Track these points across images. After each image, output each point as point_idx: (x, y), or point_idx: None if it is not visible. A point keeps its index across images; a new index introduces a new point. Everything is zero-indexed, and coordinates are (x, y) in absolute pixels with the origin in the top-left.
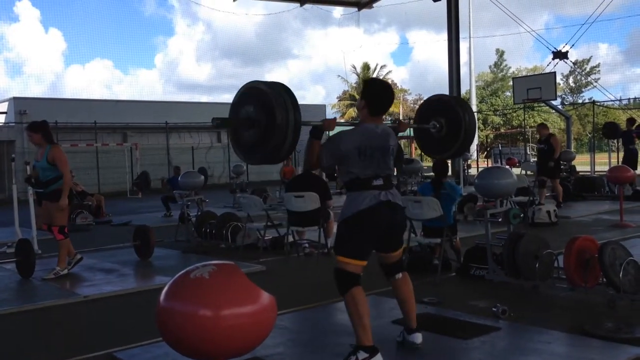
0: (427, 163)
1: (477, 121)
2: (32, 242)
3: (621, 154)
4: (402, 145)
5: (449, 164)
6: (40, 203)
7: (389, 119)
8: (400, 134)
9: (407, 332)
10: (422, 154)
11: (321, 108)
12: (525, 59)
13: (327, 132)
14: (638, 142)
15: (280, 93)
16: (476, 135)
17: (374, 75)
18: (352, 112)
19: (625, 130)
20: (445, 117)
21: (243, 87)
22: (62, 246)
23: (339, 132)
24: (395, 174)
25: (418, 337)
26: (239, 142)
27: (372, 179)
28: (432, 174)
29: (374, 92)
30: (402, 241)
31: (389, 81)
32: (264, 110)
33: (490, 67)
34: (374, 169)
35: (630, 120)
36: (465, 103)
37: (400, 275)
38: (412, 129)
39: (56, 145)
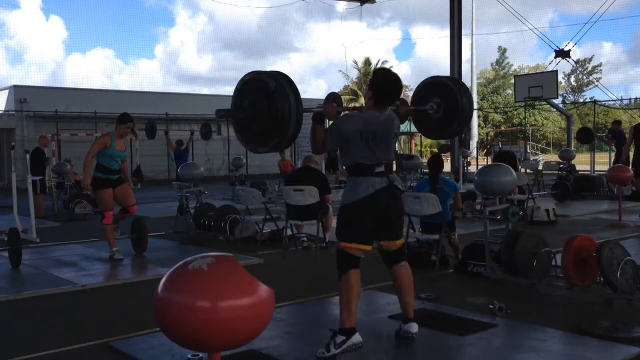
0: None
1: (477, 119)
2: (31, 230)
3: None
4: (402, 142)
5: (448, 161)
6: (105, 187)
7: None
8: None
9: (404, 321)
10: (422, 150)
11: (322, 102)
12: (528, 57)
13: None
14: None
15: (281, 82)
16: (476, 132)
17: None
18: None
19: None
20: (441, 97)
21: (244, 77)
22: None
23: (342, 116)
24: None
25: (413, 327)
26: (243, 132)
27: (375, 165)
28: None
29: (379, 84)
30: (402, 230)
31: None
32: (266, 101)
33: (492, 64)
34: (376, 155)
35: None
36: (461, 83)
37: (403, 263)
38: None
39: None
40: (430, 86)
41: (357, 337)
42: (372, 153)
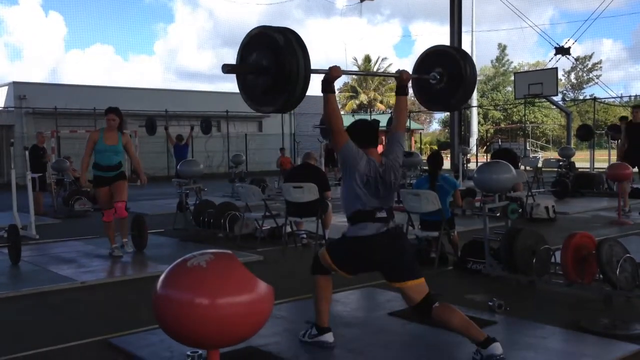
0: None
1: (477, 116)
2: (30, 227)
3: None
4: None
5: (448, 158)
6: (100, 185)
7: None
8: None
9: (481, 347)
10: (422, 147)
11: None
12: (528, 54)
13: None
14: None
15: (289, 38)
16: (476, 130)
17: (375, 67)
18: (353, 104)
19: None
20: (444, 67)
21: (250, 32)
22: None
23: (362, 154)
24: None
25: (495, 348)
26: (248, 91)
27: (376, 211)
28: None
29: (355, 133)
30: (412, 271)
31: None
32: (274, 58)
33: (492, 61)
34: (378, 202)
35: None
36: (465, 53)
37: (436, 304)
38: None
39: (125, 133)
40: (433, 56)
41: (328, 337)
42: (375, 199)
